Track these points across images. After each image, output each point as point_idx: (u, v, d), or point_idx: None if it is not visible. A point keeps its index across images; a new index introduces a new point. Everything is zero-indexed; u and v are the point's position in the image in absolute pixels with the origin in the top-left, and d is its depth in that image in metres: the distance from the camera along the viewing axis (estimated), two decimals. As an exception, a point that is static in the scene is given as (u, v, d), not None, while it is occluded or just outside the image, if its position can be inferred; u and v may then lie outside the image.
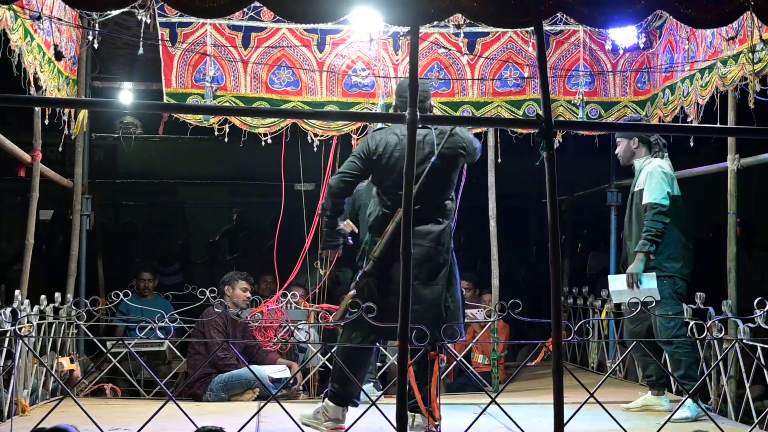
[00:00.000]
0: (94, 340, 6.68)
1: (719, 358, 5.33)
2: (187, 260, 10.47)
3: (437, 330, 4.37)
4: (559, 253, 3.37)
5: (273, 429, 4.84)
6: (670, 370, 5.56)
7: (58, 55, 5.96)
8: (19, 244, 6.47)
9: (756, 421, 4.76)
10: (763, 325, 4.89)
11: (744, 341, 5.06)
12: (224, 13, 3.70)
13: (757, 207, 9.95)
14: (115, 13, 5.91)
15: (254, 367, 6.08)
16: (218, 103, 6.77)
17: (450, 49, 7.02)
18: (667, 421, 4.48)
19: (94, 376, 6.74)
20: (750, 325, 5.09)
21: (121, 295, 6.75)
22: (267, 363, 6.61)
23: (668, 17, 6.18)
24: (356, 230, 5.95)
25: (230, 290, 6.71)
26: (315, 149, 7.02)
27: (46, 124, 6.11)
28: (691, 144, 6.44)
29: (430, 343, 4.09)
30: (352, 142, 6.82)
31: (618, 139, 6.00)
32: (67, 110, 6.58)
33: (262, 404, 4.27)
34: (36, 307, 5.59)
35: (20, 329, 5.09)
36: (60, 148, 6.97)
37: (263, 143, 6.94)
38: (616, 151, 6.00)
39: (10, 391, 4.91)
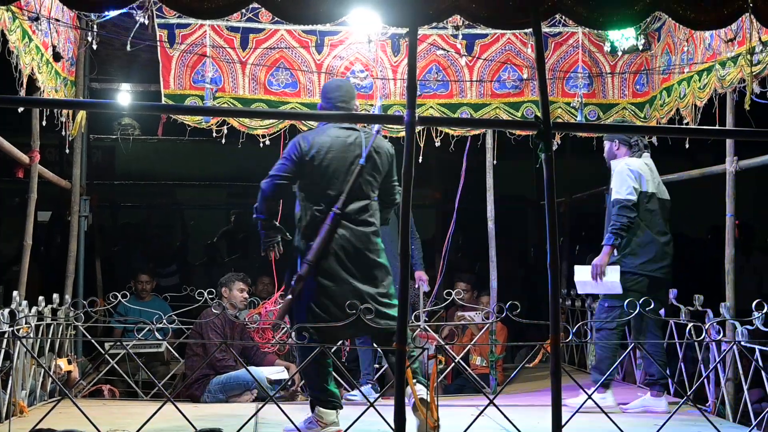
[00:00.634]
0: (92, 341, 6.67)
1: (717, 360, 5.33)
2: (185, 261, 10.46)
3: (382, 321, 4.64)
4: (557, 255, 3.37)
5: (271, 430, 4.83)
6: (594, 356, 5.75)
7: (57, 56, 5.96)
8: (18, 245, 6.48)
9: (754, 423, 4.75)
10: (762, 328, 4.89)
11: (742, 343, 5.06)
12: (223, 14, 3.70)
13: (755, 209, 9.97)
14: (113, 14, 5.91)
15: (252, 369, 6.06)
16: (217, 104, 6.77)
17: (448, 51, 7.01)
18: (666, 422, 4.47)
19: (92, 377, 6.74)
20: (748, 327, 5.09)
21: (119, 296, 6.72)
22: (265, 364, 6.61)
23: (667, 19, 6.18)
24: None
25: (227, 292, 6.71)
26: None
27: (44, 125, 6.11)
28: (686, 146, 6.44)
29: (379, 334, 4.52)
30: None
31: (604, 141, 6.07)
32: (65, 111, 6.57)
33: (261, 405, 4.27)
34: (34, 308, 5.58)
35: (18, 330, 5.09)
36: (66, 150, 6.98)
37: (261, 145, 6.95)
38: (604, 153, 6.06)
39: (8, 392, 4.91)
